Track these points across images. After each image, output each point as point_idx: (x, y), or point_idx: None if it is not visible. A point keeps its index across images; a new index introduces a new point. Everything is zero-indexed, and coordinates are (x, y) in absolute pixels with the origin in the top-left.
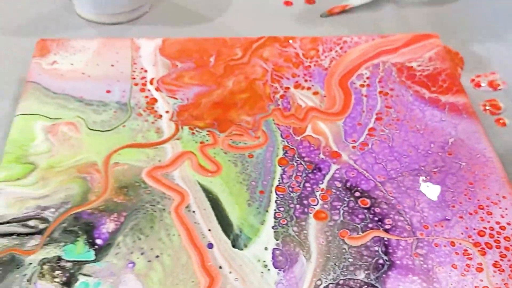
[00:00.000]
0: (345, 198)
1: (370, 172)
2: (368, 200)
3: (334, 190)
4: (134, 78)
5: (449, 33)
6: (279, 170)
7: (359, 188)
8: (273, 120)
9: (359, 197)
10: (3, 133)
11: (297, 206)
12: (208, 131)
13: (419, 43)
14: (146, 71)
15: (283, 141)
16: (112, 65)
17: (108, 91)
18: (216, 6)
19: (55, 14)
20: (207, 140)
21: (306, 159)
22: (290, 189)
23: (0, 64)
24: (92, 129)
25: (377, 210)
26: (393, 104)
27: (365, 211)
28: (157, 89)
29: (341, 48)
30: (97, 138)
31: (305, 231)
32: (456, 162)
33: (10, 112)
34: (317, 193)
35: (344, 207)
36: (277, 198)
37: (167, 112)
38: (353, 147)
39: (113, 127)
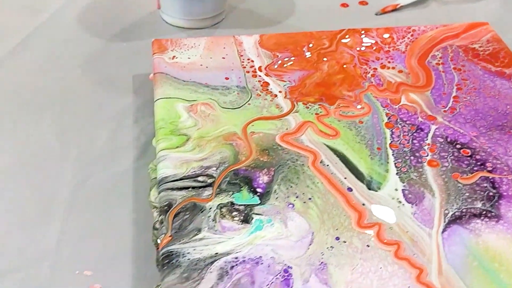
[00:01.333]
0: (449, 149)
1: (464, 129)
2: (468, 150)
3: (438, 144)
4: (244, 67)
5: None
6: (387, 131)
7: (458, 142)
8: (371, 94)
9: (460, 148)
10: (130, 120)
11: (411, 157)
12: (319, 104)
13: (475, 30)
14: (252, 61)
15: (384, 109)
16: (223, 58)
17: (227, 78)
18: (282, 11)
19: (144, 21)
20: (320, 112)
21: (407, 122)
22: (402, 145)
23: (112, 66)
24: (224, 107)
25: (478, 157)
26: (467, 77)
27: (468, 158)
28: (266, 75)
29: (411, 35)
30: (231, 114)
31: (424, 175)
32: None
33: (133, 102)
34: (425, 147)
35: (450, 156)
36: (393, 152)
37: (280, 92)
38: (444, 111)
39: (240, 105)
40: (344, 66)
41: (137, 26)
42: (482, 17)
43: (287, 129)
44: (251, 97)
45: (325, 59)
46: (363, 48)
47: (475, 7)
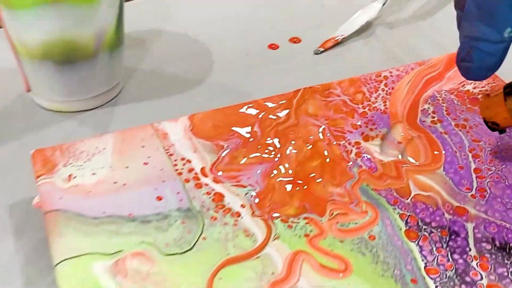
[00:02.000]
0: (505, 260)
1: (509, 221)
2: None
3: (488, 255)
4: (180, 174)
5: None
6: (413, 247)
7: (510, 244)
8: (368, 185)
9: None
10: None
11: (463, 286)
12: (305, 218)
13: None
14: (189, 161)
15: (395, 208)
16: (146, 163)
17: (159, 198)
18: (199, 65)
19: (10, 109)
20: (311, 231)
21: (433, 224)
22: (442, 267)
23: None
24: (168, 254)
25: None
26: (477, 135)
27: None
28: (215, 181)
29: (385, 85)
30: (181, 264)
31: None
32: None
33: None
34: (473, 264)
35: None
36: (435, 283)
37: (243, 206)
38: (472, 196)
39: (192, 244)
40: (318, 145)
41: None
42: (439, 38)
43: (273, 273)
44: (203, 225)
45: (293, 142)
46: (331, 114)
47: (424, 25)
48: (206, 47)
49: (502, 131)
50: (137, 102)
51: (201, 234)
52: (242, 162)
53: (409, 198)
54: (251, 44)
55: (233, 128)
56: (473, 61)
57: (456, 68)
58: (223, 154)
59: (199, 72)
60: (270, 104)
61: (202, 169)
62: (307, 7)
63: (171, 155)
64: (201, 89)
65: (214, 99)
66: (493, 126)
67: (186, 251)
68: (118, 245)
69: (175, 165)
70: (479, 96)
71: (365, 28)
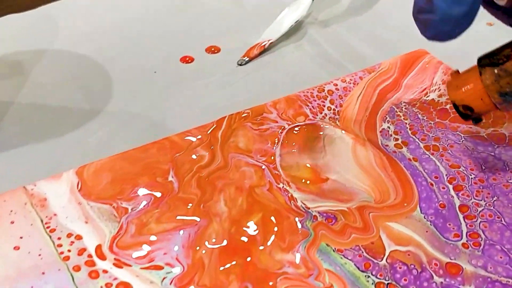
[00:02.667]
0: None
1: None
2: None
3: None
4: (67, 258)
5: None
6: None
7: None
8: (328, 245)
9: None
10: None
11: None
12: None
13: (415, 67)
14: (79, 237)
15: (368, 276)
16: (16, 248)
17: None
18: (91, 89)
19: None
20: None
21: None
22: None
23: None
24: None
25: None
26: (455, 159)
27: None
28: (118, 264)
29: (331, 102)
30: None
31: None
32: None
33: None
34: None
35: None
36: None
37: None
38: (464, 245)
39: None
40: (255, 192)
41: None
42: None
43: None
44: None
45: (222, 193)
46: (267, 147)
47: (364, 20)
48: (101, 68)
49: (477, 119)
50: (9, 149)
51: None
52: (155, 230)
53: (384, 258)
54: (158, 59)
55: (139, 181)
56: (435, 10)
57: (411, 74)
58: (127, 221)
59: (94, 101)
60: (187, 140)
61: (98, 248)
62: (224, 9)
63: (52, 231)
64: (96, 123)
65: (114, 137)
66: (465, 111)
67: None
68: None
69: (60, 245)
70: (448, 106)
71: (295, 29)
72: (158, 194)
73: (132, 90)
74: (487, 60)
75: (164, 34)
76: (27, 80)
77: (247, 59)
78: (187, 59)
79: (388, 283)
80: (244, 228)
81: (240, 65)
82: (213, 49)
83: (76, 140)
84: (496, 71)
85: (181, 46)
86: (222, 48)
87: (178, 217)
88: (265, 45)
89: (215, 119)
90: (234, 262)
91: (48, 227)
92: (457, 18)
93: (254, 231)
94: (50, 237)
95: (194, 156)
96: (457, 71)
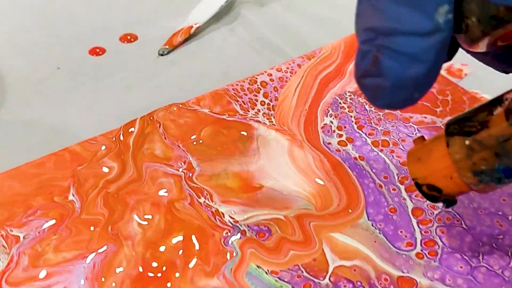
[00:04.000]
0: None
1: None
2: None
3: None
4: None
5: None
6: None
7: None
8: (259, 267)
9: None
10: None
11: None
12: None
13: None
14: None
15: None
16: None
17: None
18: None
19: None
20: None
21: None
22: None
23: None
24: None
25: None
26: (405, 154)
27: None
28: None
29: (265, 95)
30: None
31: None
32: None
33: None
34: None
35: None
36: None
37: None
38: (419, 255)
39: None
40: (174, 207)
41: None
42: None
43: None
44: None
45: (135, 212)
46: (191, 159)
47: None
48: None
49: (448, 201)
50: None
51: None
52: (53, 261)
53: (327, 277)
54: (62, 52)
55: (33, 203)
56: (385, 74)
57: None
58: (18, 252)
59: None
60: (91, 150)
61: None
62: None
63: None
64: None
65: (8, 149)
66: (430, 192)
67: None
68: None
69: None
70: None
71: (226, 10)
72: (56, 217)
73: (29, 92)
74: (457, 127)
75: (68, 22)
76: None
77: (169, 48)
78: (97, 50)
79: None
80: (161, 251)
81: (162, 55)
82: (128, 37)
83: None
84: (467, 142)
85: (90, 35)
86: (139, 35)
87: (81, 245)
88: (191, 30)
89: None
90: None
91: None
92: (416, 81)
93: (173, 254)
94: None
95: (100, 169)
96: (422, 138)
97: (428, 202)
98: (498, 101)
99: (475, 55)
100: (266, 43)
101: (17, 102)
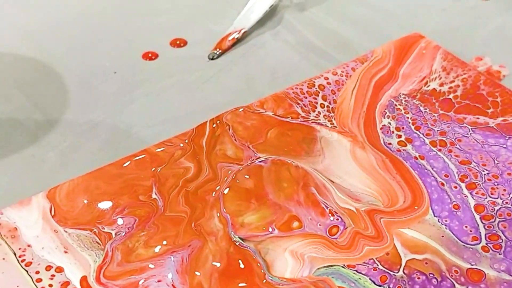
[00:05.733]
0: None
1: None
2: None
3: None
4: None
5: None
6: None
7: None
8: (341, 266)
9: None
10: None
11: None
12: None
13: (412, 53)
14: (60, 269)
15: None
16: None
17: None
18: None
19: None
20: None
21: None
22: None
23: None
24: None
25: None
26: (464, 154)
27: None
28: None
29: (324, 98)
30: None
31: None
32: None
33: None
34: None
35: None
36: None
37: None
38: (484, 248)
39: None
40: (252, 202)
41: None
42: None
43: None
44: None
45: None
46: (262, 158)
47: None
48: (51, 71)
49: None
50: None
51: None
52: (145, 256)
53: (401, 269)
54: (117, 57)
55: (120, 202)
56: None
57: (407, 61)
58: (112, 247)
59: (47, 110)
60: (168, 151)
61: (84, 280)
62: None
63: (28, 264)
64: (53, 136)
65: (76, 150)
66: None
67: None
68: None
69: (39, 280)
70: (451, 96)
71: (270, 15)
72: (142, 215)
73: (90, 95)
74: None
75: (122, 28)
76: None
77: (219, 51)
78: (150, 55)
79: None
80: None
81: (212, 59)
82: (178, 42)
83: (33, 158)
84: None
85: (142, 41)
86: (188, 41)
87: (169, 240)
88: (238, 35)
89: (189, 123)
90: (241, 284)
91: (23, 261)
92: None
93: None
94: (27, 271)
95: (178, 169)
96: None
97: (488, 198)
98: None
99: None
100: (309, 46)
101: (80, 104)
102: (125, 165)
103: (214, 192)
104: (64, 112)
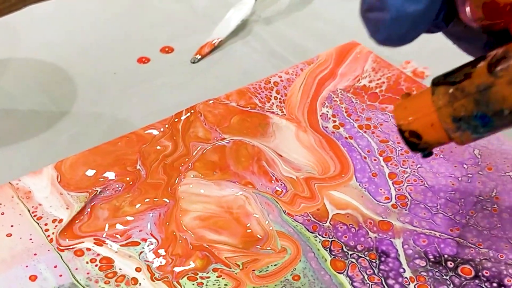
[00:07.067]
0: (444, 276)
1: (437, 228)
2: (468, 267)
3: (424, 274)
4: (53, 240)
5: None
6: (344, 279)
7: (445, 256)
8: (284, 210)
9: (456, 268)
10: None
11: None
12: (215, 269)
13: (348, 57)
14: (61, 221)
15: (316, 236)
16: (9, 235)
17: (33, 278)
18: (57, 93)
19: None
20: (226, 285)
21: (359, 247)
22: None
23: None
24: None
25: (486, 273)
26: (384, 135)
27: (477, 281)
28: (97, 242)
29: (277, 92)
30: None
31: None
32: (504, 173)
33: None
34: (411, 287)
35: None
36: None
37: (138, 270)
38: (393, 206)
39: None
40: (214, 173)
41: None
42: (321, 26)
43: None
44: None
45: (192, 173)
46: (226, 139)
47: (303, 15)
48: (64, 72)
49: (425, 151)
50: None
51: None
52: (130, 212)
53: (328, 221)
54: (117, 61)
55: (111, 171)
56: (388, 7)
57: (345, 63)
58: (99, 203)
59: (60, 104)
60: (151, 133)
61: (80, 227)
62: (175, 11)
63: (39, 218)
64: (65, 124)
65: (83, 134)
66: (411, 139)
67: None
68: None
69: (47, 230)
70: (377, 90)
71: (242, 27)
72: (129, 181)
73: (95, 92)
74: (442, 78)
75: (121, 38)
76: None
77: (199, 56)
78: (144, 59)
79: (332, 241)
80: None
81: (193, 63)
82: (167, 49)
83: (48, 140)
84: (451, 90)
85: (137, 48)
86: (175, 48)
87: (148, 200)
88: (215, 43)
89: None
90: (202, 234)
91: (35, 216)
92: (413, 17)
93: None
94: (38, 223)
95: (158, 147)
96: (409, 94)
97: (400, 168)
98: (482, 58)
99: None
100: (272, 53)
101: (86, 99)
102: (117, 144)
103: (186, 164)
104: (73, 105)
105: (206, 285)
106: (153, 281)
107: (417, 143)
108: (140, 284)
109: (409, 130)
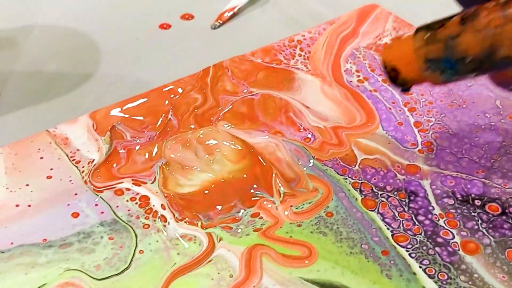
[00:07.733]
0: (472, 213)
1: (463, 171)
2: (495, 205)
3: (452, 211)
4: (92, 184)
5: None
6: (375, 216)
7: (472, 195)
8: (313, 156)
9: (483, 205)
10: None
11: (437, 249)
12: (258, 205)
13: (369, 18)
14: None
15: (345, 178)
16: (49, 177)
17: (75, 215)
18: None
19: None
20: (262, 224)
21: (388, 188)
22: (410, 232)
23: None
24: (102, 278)
25: None
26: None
27: (504, 217)
28: (135, 182)
29: (301, 49)
30: (121, 286)
31: (475, 275)
32: None
33: None
34: (441, 223)
35: (482, 224)
36: (407, 251)
37: (163, 207)
38: (420, 151)
39: (128, 261)
40: (244, 123)
41: None
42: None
43: (231, 276)
44: (136, 236)
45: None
46: (254, 92)
47: None
48: (88, 37)
49: (403, 86)
50: (19, 109)
51: (136, 247)
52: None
53: (357, 165)
54: (139, 27)
55: (145, 120)
56: None
57: (366, 23)
58: (133, 146)
59: (86, 66)
60: (182, 86)
61: (118, 171)
62: None
63: (78, 162)
64: (91, 84)
65: (110, 94)
66: (391, 73)
67: (123, 270)
68: (38, 279)
69: (83, 171)
70: None
71: None
72: (161, 130)
73: (118, 56)
74: (424, 26)
75: (142, 5)
76: (21, 53)
77: (220, 22)
78: (165, 26)
79: (361, 182)
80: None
81: (213, 29)
82: (187, 16)
83: (74, 100)
84: (427, 35)
85: (158, 14)
86: (195, 15)
87: (181, 142)
88: (234, 10)
89: None
90: (239, 176)
91: (73, 160)
92: None
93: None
94: (77, 167)
95: (189, 99)
96: (399, 37)
97: (425, 117)
98: (460, 12)
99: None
100: (290, 20)
101: (111, 62)
102: (149, 95)
103: (217, 114)
104: (99, 67)
105: (242, 218)
106: (177, 222)
107: (395, 78)
108: (168, 223)
109: (390, 66)
